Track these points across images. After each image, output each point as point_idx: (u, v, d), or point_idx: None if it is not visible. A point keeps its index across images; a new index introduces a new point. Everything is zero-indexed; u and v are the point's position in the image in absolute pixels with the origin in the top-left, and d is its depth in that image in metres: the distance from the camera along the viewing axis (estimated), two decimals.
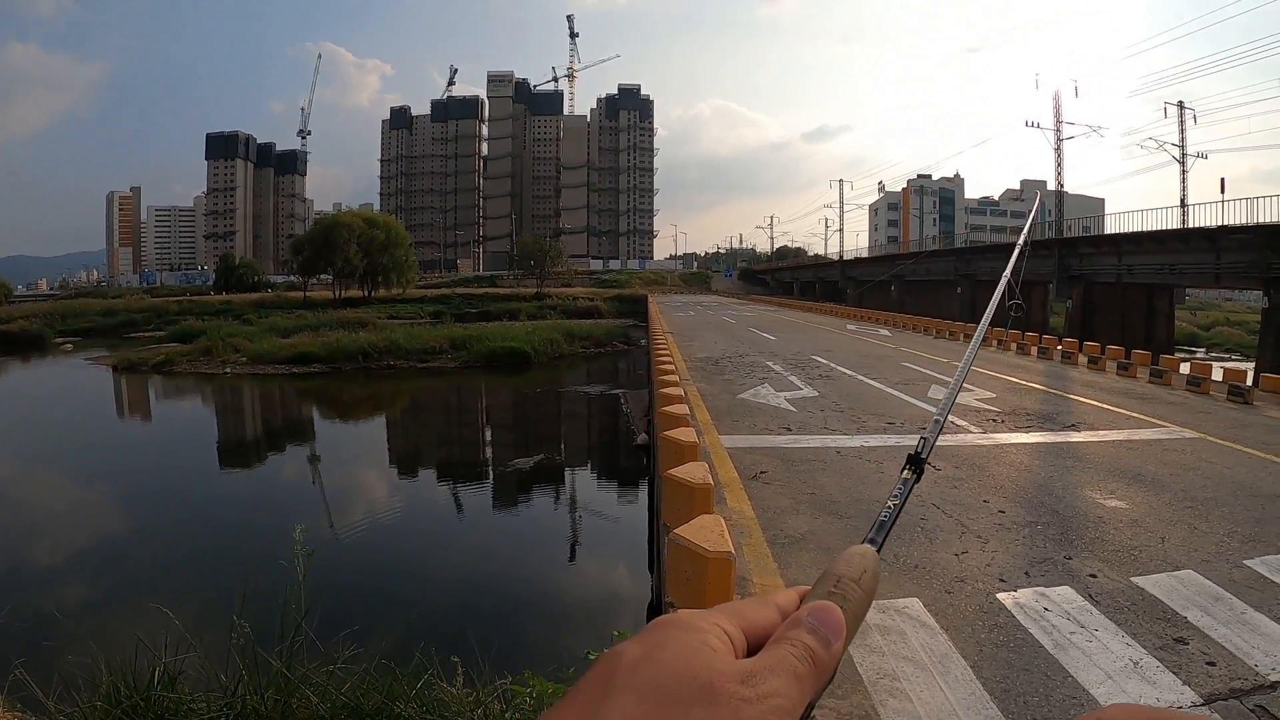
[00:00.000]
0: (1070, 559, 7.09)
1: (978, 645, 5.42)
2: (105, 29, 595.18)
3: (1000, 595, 6.27)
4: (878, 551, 0.89)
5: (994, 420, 14.17)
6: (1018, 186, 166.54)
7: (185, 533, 18.13)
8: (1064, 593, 6.30)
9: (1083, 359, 24.06)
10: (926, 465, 1.18)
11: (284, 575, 6.26)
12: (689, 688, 0.60)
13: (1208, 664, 5.19)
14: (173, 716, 5.45)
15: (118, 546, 17.72)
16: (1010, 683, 4.95)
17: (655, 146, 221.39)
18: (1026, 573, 6.76)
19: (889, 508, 1.02)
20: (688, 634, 0.66)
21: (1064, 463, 11.04)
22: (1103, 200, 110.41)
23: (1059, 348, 26.49)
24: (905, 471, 1.13)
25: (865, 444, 12.24)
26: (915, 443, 1.15)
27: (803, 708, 0.65)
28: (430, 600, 13.62)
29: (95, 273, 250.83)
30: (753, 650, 0.71)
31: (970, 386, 18.23)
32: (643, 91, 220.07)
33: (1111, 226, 47.53)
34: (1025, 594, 6.29)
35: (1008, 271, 2.05)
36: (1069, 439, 12.68)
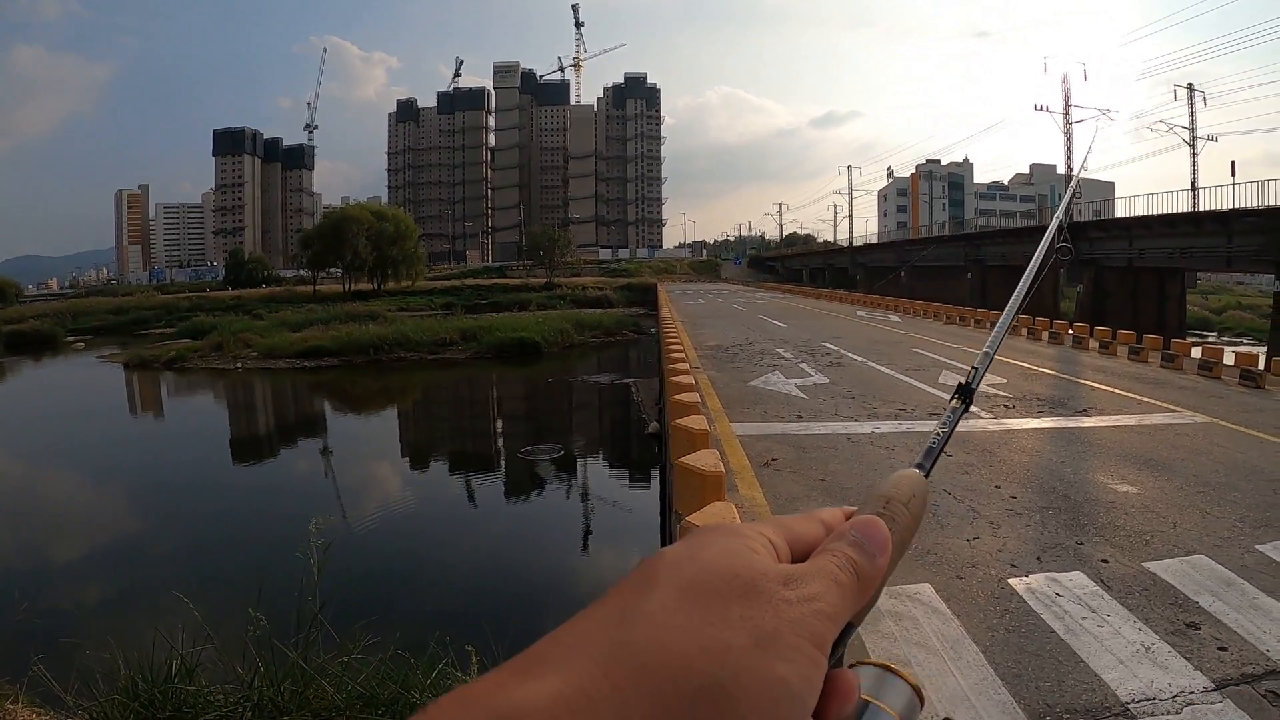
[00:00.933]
0: (1082, 544, 7.11)
1: (989, 630, 5.45)
2: (110, 30, 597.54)
3: (1012, 580, 6.29)
4: (926, 478, 0.86)
5: (1005, 405, 14.18)
6: (1027, 171, 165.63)
7: (200, 527, 18.22)
8: (1075, 578, 6.32)
9: (1094, 344, 24.02)
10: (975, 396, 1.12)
11: (299, 567, 6.29)
12: (731, 585, 0.59)
13: (1219, 649, 5.20)
14: (191, 709, 5.48)
15: (133, 541, 17.81)
16: (1022, 668, 4.98)
17: (663, 135, 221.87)
18: (1038, 558, 6.78)
19: (938, 434, 0.98)
20: (731, 538, 0.65)
21: (1075, 448, 11.06)
22: (1113, 184, 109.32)
23: (1070, 332, 26.35)
24: (954, 400, 1.07)
25: (877, 430, 12.27)
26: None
27: (845, 619, 0.65)
28: (444, 590, 13.68)
29: (105, 271, 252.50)
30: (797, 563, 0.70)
31: None
32: (650, 80, 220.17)
33: (1122, 210, 47.14)
34: (1037, 579, 6.31)
35: (1060, 212, 2.03)
36: (1080, 424, 12.69)
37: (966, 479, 9.29)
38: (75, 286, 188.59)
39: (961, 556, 6.81)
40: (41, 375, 56.11)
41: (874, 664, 0.68)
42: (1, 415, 38.59)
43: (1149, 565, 6.55)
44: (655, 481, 19.13)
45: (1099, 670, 4.93)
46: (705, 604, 0.58)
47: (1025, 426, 12.46)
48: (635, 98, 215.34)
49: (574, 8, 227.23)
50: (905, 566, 6.57)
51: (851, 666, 0.67)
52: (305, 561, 6.13)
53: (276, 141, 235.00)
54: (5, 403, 44.07)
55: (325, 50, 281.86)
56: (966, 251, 61.65)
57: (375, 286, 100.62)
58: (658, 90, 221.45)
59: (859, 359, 21.13)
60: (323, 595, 6.13)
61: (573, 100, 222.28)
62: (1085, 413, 13.60)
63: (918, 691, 0.68)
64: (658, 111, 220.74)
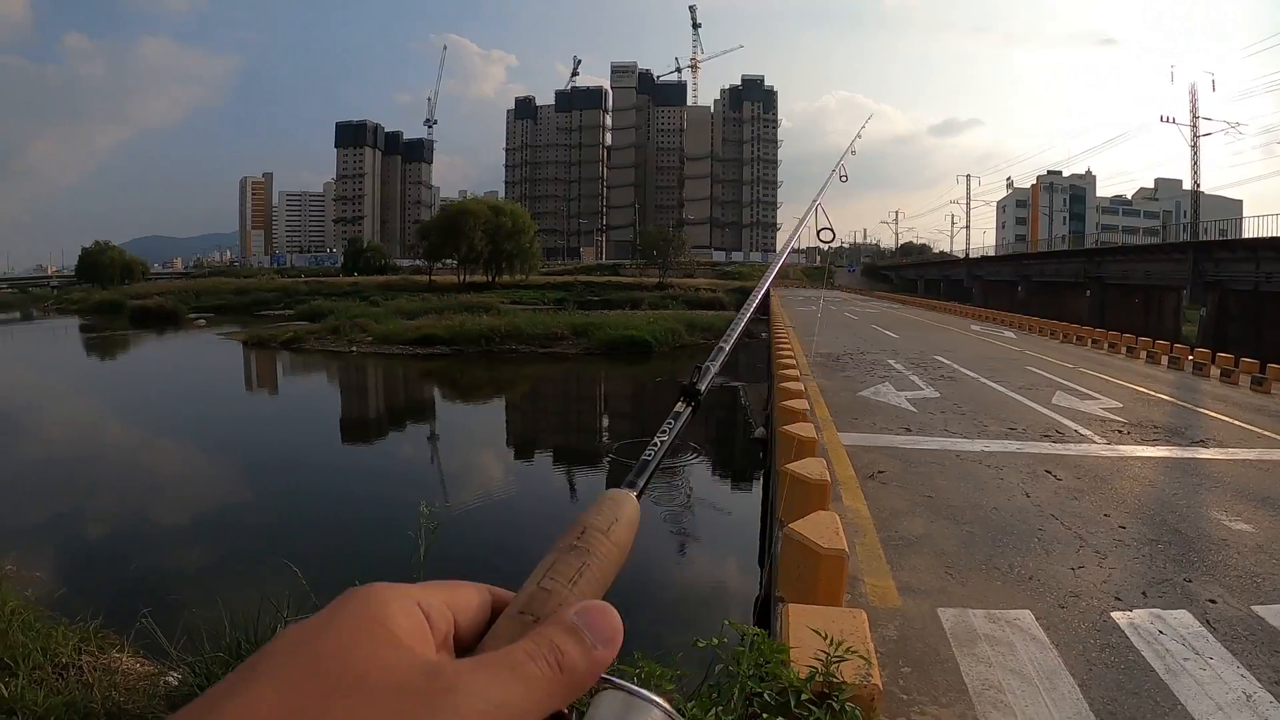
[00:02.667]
0: (1190, 581, 6.93)
1: (1088, 664, 5.38)
2: (234, 24, 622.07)
3: (1115, 614, 6.16)
4: (638, 496, 0.81)
5: (1119, 431, 13.87)
6: (1152, 185, 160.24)
7: (310, 500, 18.83)
8: (1180, 616, 6.16)
9: (1215, 371, 23.16)
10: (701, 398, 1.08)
11: (407, 545, 6.46)
12: (346, 683, 0.50)
13: None
14: None
15: (243, 511, 18.45)
16: (1117, 705, 4.90)
17: (779, 138, 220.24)
18: (1144, 593, 6.64)
19: (654, 444, 0.91)
20: (370, 611, 0.56)
21: (1190, 480, 10.76)
22: (1240, 202, 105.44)
23: (1190, 358, 25.42)
24: (679, 404, 1.03)
25: (985, 448, 12.15)
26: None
27: (538, 717, 0.55)
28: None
29: (228, 253, 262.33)
30: (475, 637, 0.63)
31: (1096, 394, 17.89)
32: (766, 83, 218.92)
33: (1249, 230, 45.41)
34: (1140, 614, 6.17)
35: (818, 197, 2.02)
36: (1196, 455, 12.32)
37: (1075, 505, 9.16)
38: (199, 267, 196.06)
39: (1065, 585, 6.73)
40: (164, 348, 58.45)
41: (620, 686, 0.61)
42: (124, 385, 40.44)
43: (1258, 609, 6.37)
44: (758, 487, 19.14)
45: (1197, 715, 4.83)
46: (302, 703, 0.49)
47: (1139, 454, 12.18)
48: (752, 100, 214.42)
49: (691, 9, 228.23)
50: (1006, 591, 6.54)
51: (594, 691, 0.61)
52: (412, 540, 6.32)
53: (397, 135, 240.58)
54: (128, 373, 46.17)
55: (445, 47, 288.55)
56: (1086, 268, 59.84)
57: (490, 279, 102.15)
58: (775, 93, 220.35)
59: (971, 374, 20.89)
60: (428, 575, 6.32)
61: (689, 101, 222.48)
62: (1202, 443, 13.20)
63: (669, 714, 0.60)
64: (774, 114, 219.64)
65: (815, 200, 2.68)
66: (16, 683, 5.55)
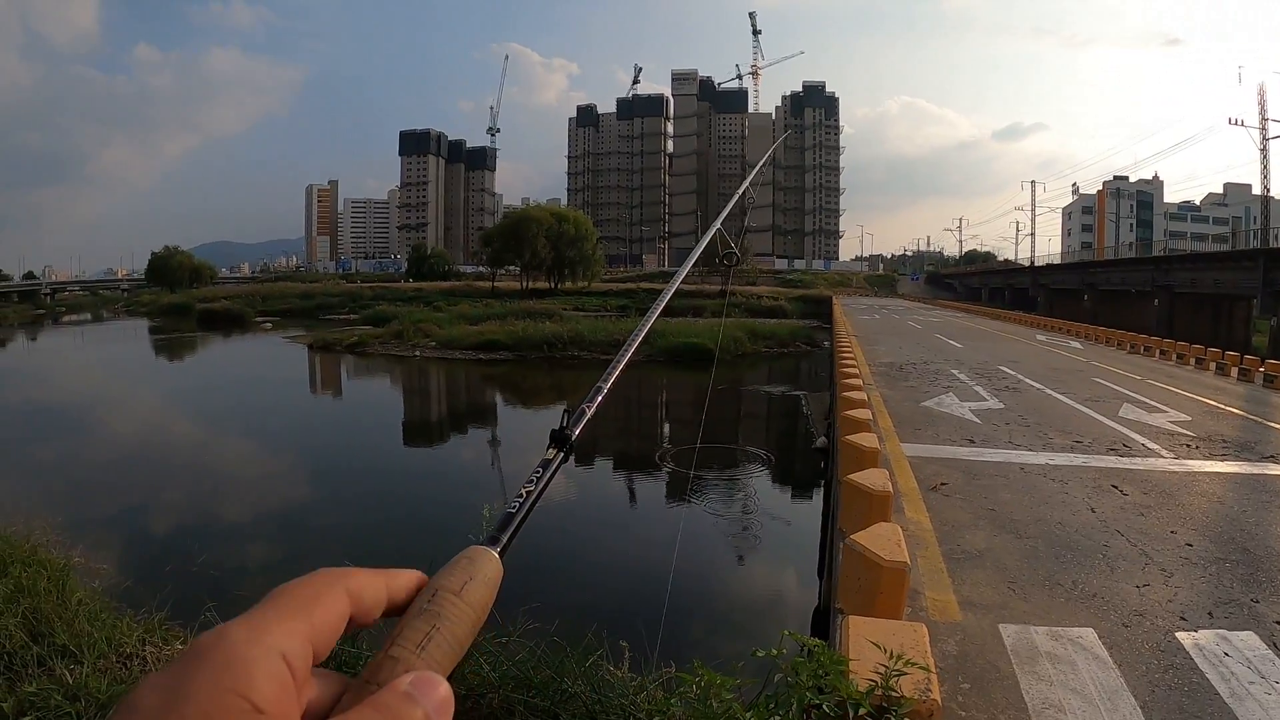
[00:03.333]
0: (1257, 602, 6.77)
1: (1150, 685, 5.29)
2: (301, 35, 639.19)
3: (1179, 634, 6.04)
4: (500, 553, 0.80)
5: (1187, 445, 13.62)
6: (1220, 190, 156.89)
7: (372, 500, 19.22)
8: (1247, 638, 6.01)
9: None
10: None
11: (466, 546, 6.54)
12: None
13: None
14: (350, 669, 5.80)
15: (308, 509, 18.88)
16: None
17: (841, 145, 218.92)
18: (1210, 613, 6.50)
19: (520, 496, 0.88)
20: (230, 680, 0.52)
21: (1260, 497, 10.52)
22: None
23: (1260, 370, 24.70)
24: (550, 450, 0.98)
25: (1050, 461, 12.01)
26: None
27: None
28: (600, 585, 13.93)
29: (294, 259, 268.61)
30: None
31: (1163, 407, 17.62)
32: (828, 89, 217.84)
33: None
34: (1206, 635, 6.03)
35: (718, 222, 2.01)
36: (1267, 471, 12.04)
37: (1142, 521, 9.03)
38: (265, 272, 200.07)
39: (1129, 603, 6.63)
40: (230, 350, 59.86)
41: None
42: (191, 385, 41.50)
43: None
44: (818, 497, 19.09)
45: None
46: None
47: (1207, 470, 11.95)
48: (813, 106, 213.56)
49: (751, 15, 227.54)
50: (1069, 608, 6.46)
51: None
52: (474, 543, 6.40)
53: (460, 143, 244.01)
54: (195, 373, 47.46)
55: (507, 57, 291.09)
56: (1153, 276, 58.68)
57: (552, 285, 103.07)
58: (836, 99, 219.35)
59: (1036, 385, 20.66)
60: None
61: (751, 108, 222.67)
62: (1273, 459, 12.90)
63: None
64: (836, 121, 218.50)
65: (715, 224, 2.69)
66: (81, 670, 5.70)
